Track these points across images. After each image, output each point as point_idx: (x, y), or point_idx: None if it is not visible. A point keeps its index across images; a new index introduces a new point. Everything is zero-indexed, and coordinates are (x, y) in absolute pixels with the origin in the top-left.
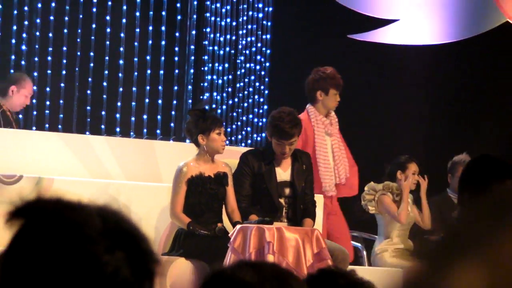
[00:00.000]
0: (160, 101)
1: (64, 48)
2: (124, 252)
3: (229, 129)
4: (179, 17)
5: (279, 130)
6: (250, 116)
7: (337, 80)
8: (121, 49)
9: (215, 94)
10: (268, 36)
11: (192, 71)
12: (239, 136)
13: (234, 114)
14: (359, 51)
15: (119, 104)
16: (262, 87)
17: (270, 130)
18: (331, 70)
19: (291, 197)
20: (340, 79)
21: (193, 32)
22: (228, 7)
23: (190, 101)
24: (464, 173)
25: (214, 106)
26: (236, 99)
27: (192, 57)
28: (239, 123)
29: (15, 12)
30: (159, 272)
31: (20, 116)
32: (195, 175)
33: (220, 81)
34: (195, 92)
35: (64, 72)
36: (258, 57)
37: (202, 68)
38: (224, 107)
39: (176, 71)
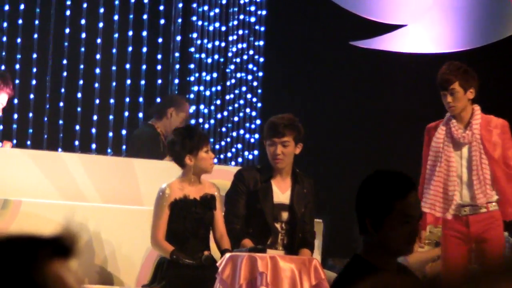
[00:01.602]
0: (141, 115)
1: (34, 55)
2: None
3: (217, 146)
4: (162, 21)
5: (271, 126)
6: (241, 131)
7: (439, 78)
8: (98, 56)
9: (202, 107)
10: (262, 43)
11: (176, 81)
12: (229, 154)
13: (223, 129)
14: (362, 59)
15: (95, 117)
16: (254, 100)
17: (264, 132)
18: (442, 67)
19: (288, 223)
20: (442, 75)
21: (178, 38)
22: (217, 10)
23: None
24: (363, 195)
25: (201, 120)
26: (225, 113)
27: (177, 66)
28: (228, 140)
29: None
30: None
31: None
32: (179, 198)
33: (207, 93)
34: None
35: (34, 81)
36: (250, 66)
37: (188, 78)
38: (212, 121)
39: (159, 81)
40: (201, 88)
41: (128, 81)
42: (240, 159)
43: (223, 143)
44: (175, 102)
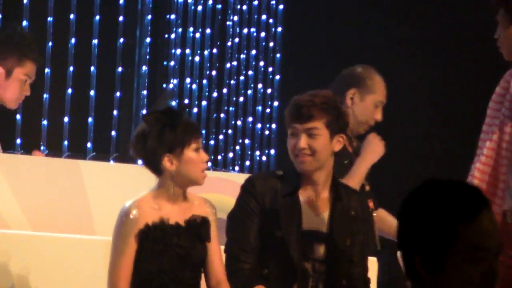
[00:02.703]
0: (92, 92)
1: None
2: None
3: (212, 142)
4: None
5: (293, 106)
6: (249, 119)
7: None
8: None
9: (188, 80)
10: None
11: (148, 40)
12: (230, 154)
13: (222, 115)
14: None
15: None
16: (270, 69)
17: (285, 117)
18: None
19: (325, 262)
20: None
21: None
22: None
23: (144, 92)
24: (408, 220)
25: (186, 101)
26: (224, 90)
27: (149, 17)
28: (230, 131)
29: None
30: None
31: None
32: (153, 223)
33: (197, 59)
34: (153, 76)
35: None
36: (263, 17)
37: (166, 36)
38: (203, 103)
39: (121, 40)
40: (187, 51)
41: (72, 40)
42: (247, 163)
43: (221, 137)
44: (356, 79)
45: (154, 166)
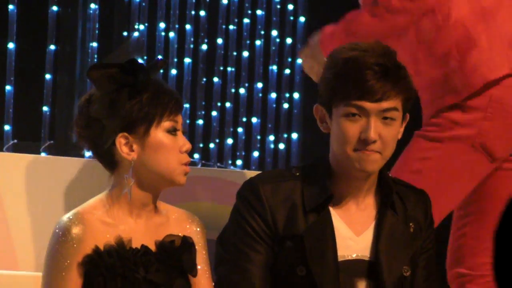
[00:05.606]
0: (11, 45)
1: None
2: None
3: (200, 121)
4: None
5: (348, 71)
6: (259, 84)
7: None
8: None
9: (162, 25)
10: None
11: None
12: (229, 140)
13: (215, 79)
14: None
15: None
16: (290, 7)
17: (325, 83)
18: None
19: None
20: None
21: None
22: None
23: (93, 43)
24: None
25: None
26: (219, 39)
27: None
28: (228, 104)
29: None
30: None
31: None
32: (106, 245)
33: None
34: (108, 18)
35: None
36: None
37: None
38: (187, 60)
39: None
40: None
41: None
42: (255, 153)
43: (214, 113)
44: None
45: (103, 152)
